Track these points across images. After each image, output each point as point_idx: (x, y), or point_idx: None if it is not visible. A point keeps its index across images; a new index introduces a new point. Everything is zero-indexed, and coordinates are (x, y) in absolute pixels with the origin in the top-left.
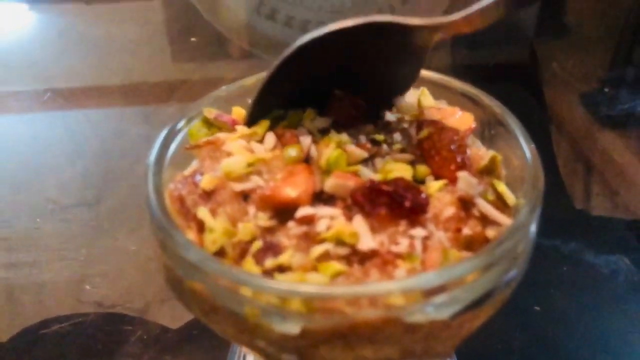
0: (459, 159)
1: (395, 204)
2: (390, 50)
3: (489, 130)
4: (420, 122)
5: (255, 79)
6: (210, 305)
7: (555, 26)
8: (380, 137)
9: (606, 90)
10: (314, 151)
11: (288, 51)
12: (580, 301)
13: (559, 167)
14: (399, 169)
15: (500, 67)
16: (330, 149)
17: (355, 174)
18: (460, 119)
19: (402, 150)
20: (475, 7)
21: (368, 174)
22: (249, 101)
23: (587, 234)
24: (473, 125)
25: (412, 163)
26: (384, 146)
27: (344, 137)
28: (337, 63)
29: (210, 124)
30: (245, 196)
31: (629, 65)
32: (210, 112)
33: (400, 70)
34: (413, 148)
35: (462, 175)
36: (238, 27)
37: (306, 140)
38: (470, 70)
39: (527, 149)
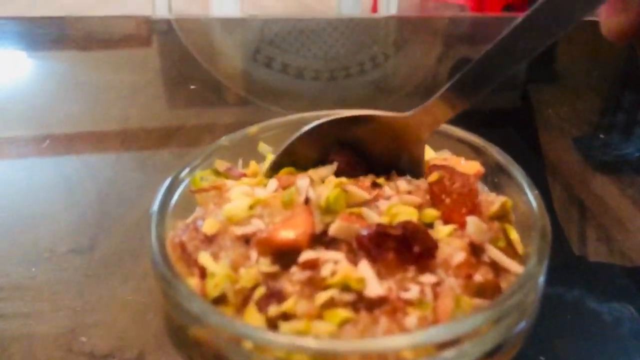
0: (470, 204)
1: (404, 249)
2: (386, 138)
3: (492, 178)
4: (430, 165)
5: (257, 128)
6: (214, 355)
7: (547, 72)
8: (381, 180)
9: (600, 135)
10: (312, 193)
11: (288, 142)
12: (585, 350)
13: (555, 211)
14: (406, 212)
15: (493, 113)
16: (329, 188)
17: (360, 216)
18: (467, 167)
19: (408, 193)
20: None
21: (373, 216)
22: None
23: (590, 282)
24: (481, 170)
25: (419, 207)
26: (387, 189)
27: (344, 179)
28: (344, 142)
29: (218, 174)
30: (246, 240)
31: (620, 111)
32: (222, 165)
33: (404, 156)
34: (419, 192)
35: (472, 219)
36: (235, 74)
37: (304, 182)
38: (464, 115)
39: (532, 197)
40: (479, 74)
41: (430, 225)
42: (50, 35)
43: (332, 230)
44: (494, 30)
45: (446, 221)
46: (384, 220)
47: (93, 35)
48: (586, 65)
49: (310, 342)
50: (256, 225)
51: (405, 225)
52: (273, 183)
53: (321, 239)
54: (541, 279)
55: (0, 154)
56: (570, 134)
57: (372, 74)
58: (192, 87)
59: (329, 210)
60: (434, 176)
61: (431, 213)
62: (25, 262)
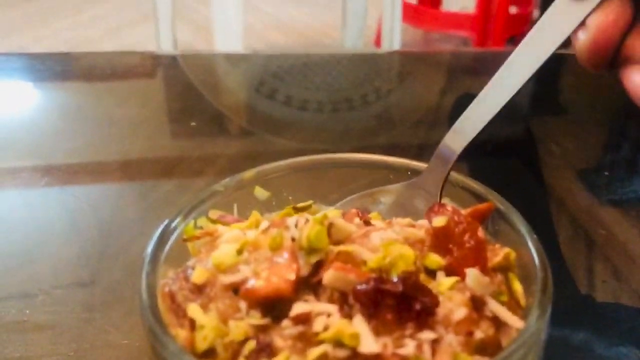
0: (480, 258)
1: (403, 307)
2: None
3: (492, 226)
4: (434, 204)
5: (254, 173)
6: None
7: (551, 105)
8: (375, 215)
9: (605, 168)
10: (296, 232)
11: None
12: None
13: (559, 245)
14: (403, 252)
15: (498, 146)
16: (309, 225)
17: (353, 261)
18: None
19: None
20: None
21: (364, 254)
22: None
23: (596, 324)
24: (492, 205)
25: (420, 244)
26: (379, 223)
27: (333, 211)
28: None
29: (213, 222)
30: (235, 290)
31: (625, 144)
32: (215, 214)
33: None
34: (420, 230)
35: (472, 272)
36: (238, 106)
37: (292, 220)
38: (469, 150)
39: (533, 248)
40: (471, 120)
41: (431, 272)
42: (54, 69)
43: (326, 280)
44: (497, 64)
45: (449, 271)
46: (378, 259)
47: (97, 69)
48: (590, 98)
49: None
50: (244, 273)
51: (405, 280)
52: (265, 224)
53: (310, 282)
54: (543, 335)
55: (1, 187)
56: (575, 167)
57: (374, 107)
58: (192, 124)
59: (312, 250)
60: (441, 221)
61: (436, 260)
62: (22, 297)
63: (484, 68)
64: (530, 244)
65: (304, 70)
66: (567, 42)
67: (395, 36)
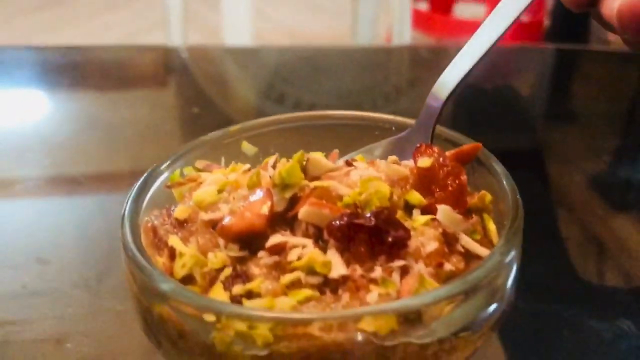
0: (461, 202)
1: (376, 240)
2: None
3: (472, 173)
4: (420, 145)
5: (239, 126)
6: (178, 333)
7: (562, 111)
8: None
9: (616, 173)
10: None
11: None
12: None
13: (570, 252)
14: (378, 190)
15: (509, 152)
16: (284, 162)
17: (329, 195)
18: None
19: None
20: None
21: (341, 189)
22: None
23: (589, 299)
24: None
25: (403, 182)
26: (360, 163)
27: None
28: None
29: (198, 171)
30: (214, 226)
31: (638, 149)
32: (201, 163)
33: None
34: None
35: (443, 208)
36: (248, 111)
37: (271, 160)
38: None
39: (506, 183)
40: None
41: (409, 208)
42: (67, 72)
43: (301, 215)
44: (509, 60)
45: (429, 211)
46: (354, 195)
47: (110, 74)
48: (602, 102)
49: (268, 312)
50: (222, 211)
51: (378, 214)
52: (246, 166)
53: (286, 217)
54: (511, 260)
55: (12, 193)
56: (587, 173)
57: (385, 110)
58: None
59: (286, 185)
60: (426, 162)
61: (417, 197)
62: (32, 296)
63: (495, 64)
64: (504, 184)
65: (313, 74)
66: (580, 38)
67: (406, 43)
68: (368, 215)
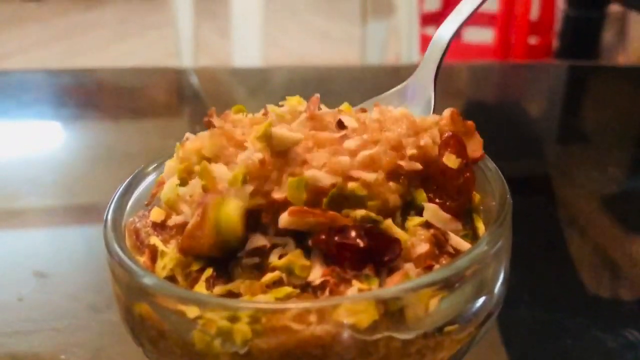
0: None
1: (366, 259)
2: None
3: None
4: (451, 140)
5: None
6: (158, 332)
7: (573, 129)
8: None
9: (627, 191)
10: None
11: None
12: None
13: (583, 274)
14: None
15: (521, 175)
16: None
17: (315, 191)
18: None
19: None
20: None
21: (323, 179)
22: None
23: (594, 309)
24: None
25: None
26: (350, 120)
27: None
28: None
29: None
30: None
31: None
32: None
33: None
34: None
35: (430, 206)
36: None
37: (242, 156)
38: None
39: (495, 180)
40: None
41: (408, 202)
42: (79, 94)
43: (281, 223)
44: (519, 78)
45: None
46: (340, 185)
47: (122, 98)
48: (613, 125)
49: (249, 303)
50: (185, 215)
51: (369, 232)
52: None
53: (261, 221)
54: (498, 253)
55: (22, 222)
56: (600, 195)
57: None
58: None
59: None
60: (453, 162)
61: (422, 197)
62: (43, 321)
63: (506, 81)
64: (495, 183)
65: (322, 95)
66: (591, 55)
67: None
68: (355, 234)
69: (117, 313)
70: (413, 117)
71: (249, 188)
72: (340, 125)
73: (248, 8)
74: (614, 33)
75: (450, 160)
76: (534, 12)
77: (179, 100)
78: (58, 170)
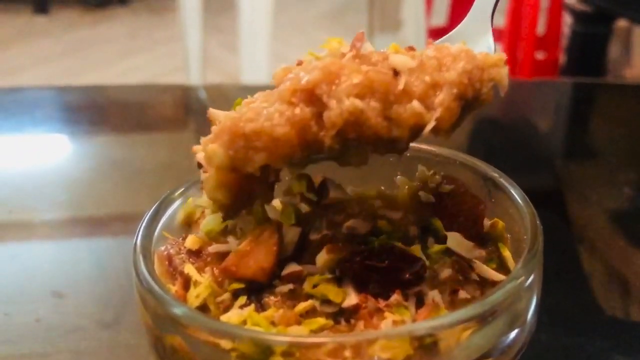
0: (474, 230)
1: (390, 279)
2: None
3: (489, 198)
4: (444, 177)
5: None
6: None
7: (581, 145)
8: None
9: (637, 207)
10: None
11: None
12: None
13: (593, 291)
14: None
15: (529, 190)
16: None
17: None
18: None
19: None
20: None
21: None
22: None
23: (614, 333)
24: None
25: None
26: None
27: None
28: None
29: None
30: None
31: None
32: None
33: None
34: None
35: (453, 235)
36: None
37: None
38: None
39: (524, 208)
40: None
41: (428, 230)
42: (87, 111)
43: (319, 262)
44: (527, 95)
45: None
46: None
47: (130, 114)
48: (621, 141)
49: (283, 336)
50: (231, 245)
51: (390, 252)
52: None
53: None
54: (531, 285)
55: (29, 234)
56: (608, 211)
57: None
58: None
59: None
60: (447, 188)
61: (438, 223)
62: (50, 336)
63: (514, 98)
64: (520, 204)
65: None
66: (597, 74)
67: None
68: (379, 255)
69: (132, 332)
70: (474, 53)
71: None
72: (396, 73)
73: (256, 23)
74: (621, 48)
75: (445, 188)
76: (541, 27)
77: (187, 116)
78: (70, 185)
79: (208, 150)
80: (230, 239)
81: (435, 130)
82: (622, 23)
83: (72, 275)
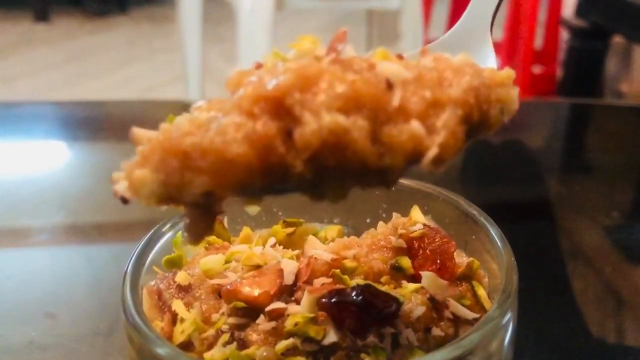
0: (440, 263)
1: (366, 315)
2: None
3: (469, 236)
4: (424, 224)
5: None
6: None
7: (577, 165)
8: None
9: (632, 226)
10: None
11: None
12: None
13: (588, 304)
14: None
15: (526, 204)
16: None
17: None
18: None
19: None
20: None
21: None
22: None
23: (602, 355)
24: None
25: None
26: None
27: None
28: None
29: None
30: (220, 293)
31: None
32: None
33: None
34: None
35: (427, 274)
36: None
37: (288, 266)
38: (497, 206)
39: (501, 247)
40: None
41: (401, 272)
42: (85, 126)
43: (304, 303)
44: (522, 114)
45: (415, 273)
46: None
47: (127, 128)
48: (616, 156)
49: None
50: (230, 278)
51: (364, 289)
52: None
53: (292, 291)
54: (506, 325)
55: (25, 241)
56: (604, 225)
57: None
58: None
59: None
60: (417, 233)
61: (406, 262)
62: (43, 346)
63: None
64: (500, 251)
65: None
66: (594, 89)
67: None
68: (354, 292)
69: (113, 344)
70: (479, 67)
71: None
72: (389, 85)
73: (255, 34)
74: (618, 63)
75: (417, 233)
76: (538, 42)
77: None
78: (61, 194)
79: (134, 178)
80: (230, 273)
81: (436, 159)
82: (619, 39)
83: (66, 289)
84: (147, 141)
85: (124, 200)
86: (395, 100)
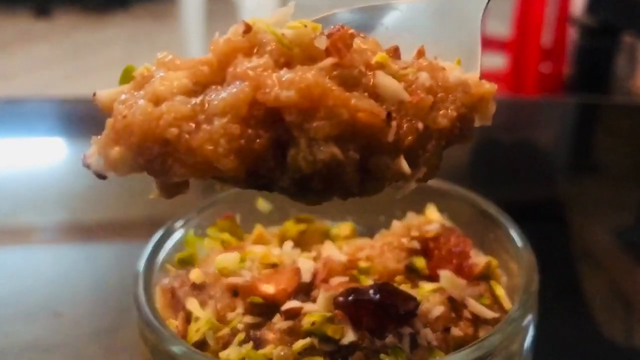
0: (457, 263)
1: (382, 313)
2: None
3: (487, 234)
4: (442, 226)
5: None
6: None
7: (586, 164)
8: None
9: None
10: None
11: None
12: None
13: (596, 306)
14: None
15: (533, 204)
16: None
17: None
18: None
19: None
20: None
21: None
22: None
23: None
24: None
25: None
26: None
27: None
28: None
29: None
30: (235, 292)
31: None
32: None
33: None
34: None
35: (445, 273)
36: None
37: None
38: (504, 207)
39: (521, 246)
40: None
41: (416, 272)
42: (85, 123)
43: (320, 301)
44: (531, 113)
45: (431, 273)
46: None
47: None
48: (625, 155)
49: None
50: (245, 276)
51: (381, 288)
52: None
53: (308, 290)
54: (526, 325)
55: (25, 239)
56: (612, 225)
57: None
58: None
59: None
60: (432, 233)
61: (420, 262)
62: (45, 345)
63: (517, 118)
64: (517, 242)
65: None
66: (603, 87)
67: None
68: (371, 290)
69: (118, 343)
70: (469, 83)
71: None
72: (389, 116)
73: None
74: (627, 61)
75: (431, 233)
76: (547, 40)
77: None
78: (61, 192)
79: (111, 156)
80: (245, 272)
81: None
82: (628, 37)
83: (70, 288)
84: (119, 115)
85: (101, 176)
86: (391, 136)
